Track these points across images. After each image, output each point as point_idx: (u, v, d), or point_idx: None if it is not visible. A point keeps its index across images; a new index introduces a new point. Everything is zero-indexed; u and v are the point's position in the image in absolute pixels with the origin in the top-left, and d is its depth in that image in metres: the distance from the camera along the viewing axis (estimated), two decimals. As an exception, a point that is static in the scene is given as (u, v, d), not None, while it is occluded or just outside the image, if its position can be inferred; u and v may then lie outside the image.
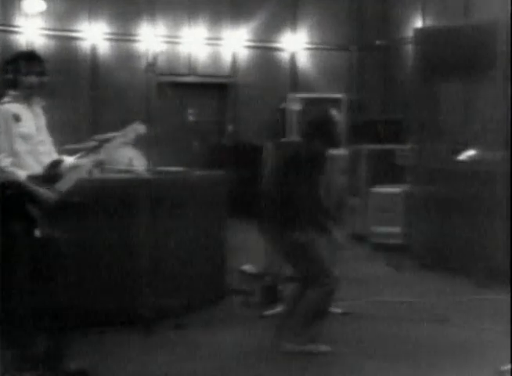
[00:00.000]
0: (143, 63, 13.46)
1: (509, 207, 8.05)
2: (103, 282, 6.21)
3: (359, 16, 15.33)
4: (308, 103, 13.17)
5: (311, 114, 6.35)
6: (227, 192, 7.51)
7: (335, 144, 5.92)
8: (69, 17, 13.73)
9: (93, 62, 13.96)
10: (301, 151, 5.77)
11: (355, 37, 15.42)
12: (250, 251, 8.78)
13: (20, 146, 4.87)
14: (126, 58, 14.09)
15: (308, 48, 15.35)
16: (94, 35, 13.89)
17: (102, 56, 14.02)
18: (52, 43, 13.63)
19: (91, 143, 5.87)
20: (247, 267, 8.25)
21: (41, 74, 4.96)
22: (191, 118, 14.18)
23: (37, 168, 4.90)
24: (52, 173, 4.92)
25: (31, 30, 13.45)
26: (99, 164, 5.27)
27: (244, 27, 14.85)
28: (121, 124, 5.36)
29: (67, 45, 13.80)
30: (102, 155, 5.04)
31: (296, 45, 15.22)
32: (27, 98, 4.96)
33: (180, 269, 6.73)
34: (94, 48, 13.93)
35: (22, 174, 4.81)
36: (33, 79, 4.92)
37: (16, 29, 13.41)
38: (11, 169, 4.79)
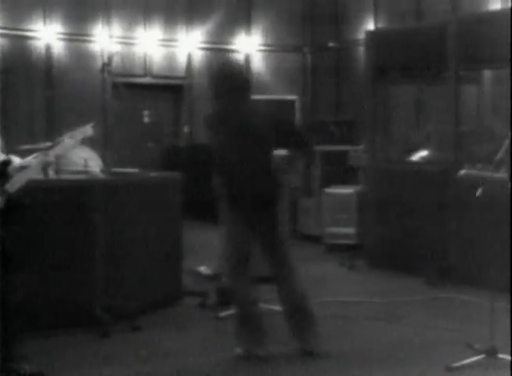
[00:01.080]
0: (99, 64, 13.41)
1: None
2: (58, 284, 6.19)
3: (312, 17, 15.46)
4: (263, 104, 13.23)
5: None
6: (182, 193, 7.52)
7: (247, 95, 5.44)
8: (23, 17, 13.61)
9: (48, 62, 13.84)
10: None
11: (308, 39, 15.56)
12: (205, 252, 8.82)
13: None
14: (81, 58, 14.00)
15: (262, 50, 15.43)
16: (48, 35, 13.78)
17: (57, 55, 13.91)
18: (6, 42, 13.49)
19: (47, 144, 5.89)
20: (203, 268, 8.28)
21: None
22: (146, 119, 14.20)
23: None
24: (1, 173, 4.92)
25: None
26: (48, 165, 5.28)
27: (199, 29, 14.87)
28: (76, 124, 5.35)
29: (22, 44, 13.68)
30: (50, 156, 5.04)
31: (250, 46, 15.28)
32: None
33: (136, 270, 6.74)
34: (48, 48, 13.83)
35: None
36: None
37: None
38: None
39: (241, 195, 5.50)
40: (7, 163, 4.98)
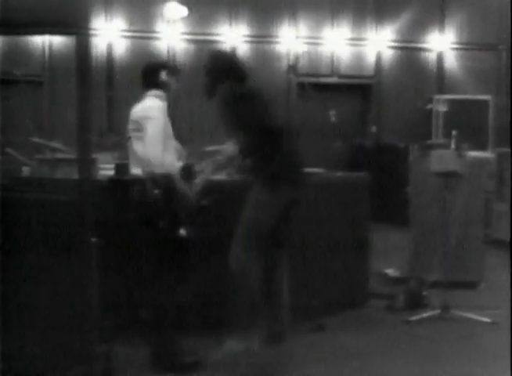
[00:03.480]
0: (284, 65, 13.46)
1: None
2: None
3: (508, 14, 14.75)
4: (455, 104, 12.79)
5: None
6: (369, 193, 7.30)
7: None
8: (209, 21, 13.87)
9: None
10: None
11: (505, 37, 14.83)
12: (393, 255, 8.59)
13: (168, 144, 5.18)
14: (266, 59, 14.08)
15: (456, 48, 14.90)
16: (234, 38, 13.95)
17: (243, 58, 14.06)
18: (192, 47, 13.81)
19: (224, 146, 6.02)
20: (391, 270, 8.04)
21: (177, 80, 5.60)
22: (333, 119, 14.06)
23: (172, 168, 5.12)
24: (185, 174, 5.15)
25: (172, 36, 13.68)
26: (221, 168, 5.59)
27: (389, 27, 14.56)
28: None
29: (207, 48, 13.93)
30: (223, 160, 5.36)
31: (443, 44, 14.80)
32: (165, 98, 5.42)
33: (321, 270, 6.60)
34: (234, 50, 14.00)
35: (177, 165, 5.14)
36: (172, 82, 5.51)
37: (157, 35, 13.67)
38: (169, 163, 5.07)
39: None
40: (191, 166, 5.25)
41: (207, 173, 5.28)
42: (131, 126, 5.34)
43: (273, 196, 5.20)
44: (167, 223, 4.88)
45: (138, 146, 5.22)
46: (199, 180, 5.17)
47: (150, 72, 5.49)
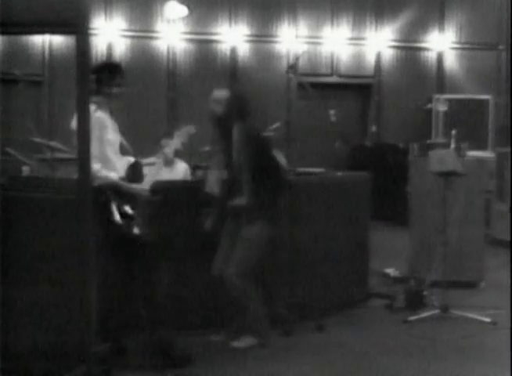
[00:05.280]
0: (284, 64, 13.47)
1: None
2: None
3: (509, 14, 14.75)
4: (455, 104, 12.79)
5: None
6: (369, 193, 7.29)
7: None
8: (209, 21, 13.86)
9: (233, 64, 14.03)
10: None
11: (504, 37, 14.84)
12: (393, 254, 8.58)
13: (109, 152, 5.18)
14: (266, 59, 14.09)
15: (456, 48, 14.89)
16: (234, 37, 13.95)
17: (243, 57, 14.07)
18: (192, 47, 13.81)
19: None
20: (391, 270, 8.03)
21: (121, 85, 5.36)
22: (332, 119, 14.05)
23: (121, 171, 5.17)
24: (132, 174, 5.19)
25: (172, 35, 13.68)
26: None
27: (389, 27, 14.56)
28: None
29: (207, 48, 13.94)
30: (169, 153, 5.75)
31: (443, 44, 14.79)
32: (108, 105, 5.30)
33: (322, 270, 6.60)
34: (234, 51, 14.00)
35: (114, 176, 5.11)
36: (114, 89, 5.30)
37: (156, 34, 13.66)
38: (104, 173, 5.07)
39: None
40: (138, 163, 5.27)
41: (158, 167, 5.52)
42: (74, 136, 4.95)
43: (272, 231, 5.73)
44: (119, 224, 4.98)
45: None
46: (149, 176, 5.29)
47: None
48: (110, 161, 5.16)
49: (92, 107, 5.03)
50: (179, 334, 5.40)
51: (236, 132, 5.64)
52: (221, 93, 5.80)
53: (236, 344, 5.69)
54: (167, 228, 5.81)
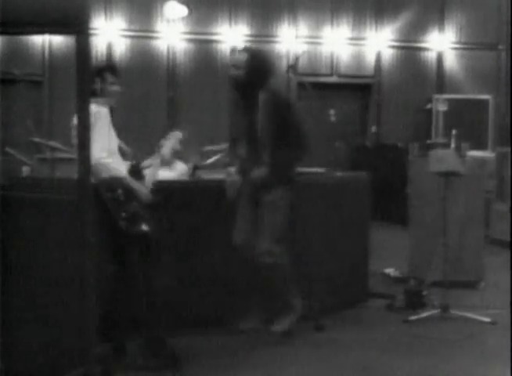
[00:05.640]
0: (284, 64, 13.46)
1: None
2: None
3: (509, 14, 14.75)
4: (455, 104, 12.78)
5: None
6: (369, 194, 7.29)
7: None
8: (209, 20, 13.86)
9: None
10: None
11: (504, 37, 14.84)
12: (393, 254, 8.57)
13: (114, 150, 5.16)
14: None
15: (455, 48, 14.89)
16: (234, 37, 13.95)
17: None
18: (192, 47, 13.81)
19: (223, 145, 6.00)
20: (391, 270, 8.03)
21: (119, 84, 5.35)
22: (332, 119, 14.04)
23: (122, 169, 5.14)
24: (133, 174, 5.17)
25: (172, 35, 13.68)
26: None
27: (389, 27, 14.56)
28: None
29: (207, 48, 13.94)
30: (166, 155, 5.54)
31: (443, 44, 14.80)
32: (109, 105, 5.26)
33: (321, 270, 6.59)
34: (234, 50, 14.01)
35: (123, 171, 5.09)
36: (116, 88, 5.31)
37: (156, 34, 13.67)
38: (115, 166, 5.04)
39: None
40: (139, 164, 5.29)
41: (155, 167, 5.37)
42: (73, 133, 5.07)
43: (291, 196, 5.61)
44: (128, 221, 4.95)
45: None
46: (148, 176, 5.24)
47: (92, 76, 5.27)
48: (114, 157, 5.14)
49: (93, 105, 4.99)
50: (181, 333, 5.41)
51: (262, 97, 5.36)
52: (240, 57, 5.51)
53: (277, 328, 5.60)
54: (172, 226, 5.82)
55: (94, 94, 5.17)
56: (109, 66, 5.55)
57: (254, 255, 5.50)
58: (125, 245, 5.03)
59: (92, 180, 4.89)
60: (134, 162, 5.28)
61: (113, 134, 5.22)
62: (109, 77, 5.31)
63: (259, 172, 5.43)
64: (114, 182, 4.99)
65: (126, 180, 5.06)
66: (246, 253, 5.56)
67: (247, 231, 5.58)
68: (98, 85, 5.24)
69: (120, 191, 4.99)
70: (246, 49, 5.65)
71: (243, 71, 5.41)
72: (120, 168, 5.14)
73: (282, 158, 5.45)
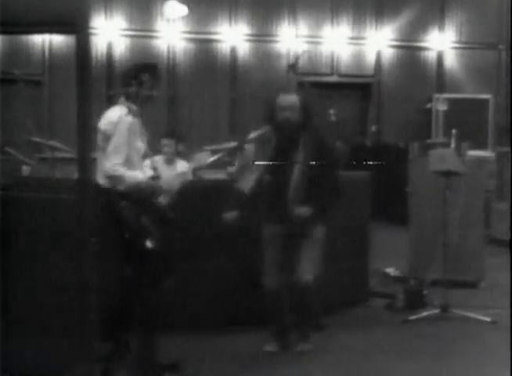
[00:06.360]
0: (284, 64, 13.47)
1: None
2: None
3: (509, 14, 14.75)
4: (455, 103, 12.79)
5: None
6: (370, 193, 7.28)
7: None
8: (209, 20, 13.87)
9: (233, 63, 14.03)
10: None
11: (505, 36, 14.84)
12: (393, 254, 8.56)
13: (135, 157, 4.88)
14: (266, 58, 14.10)
15: (456, 47, 14.90)
16: (234, 37, 13.95)
17: (243, 57, 14.07)
18: (192, 46, 13.81)
19: (231, 144, 5.94)
20: (391, 270, 8.03)
21: (156, 88, 5.06)
22: (333, 118, 14.04)
23: (136, 181, 4.88)
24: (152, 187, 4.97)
25: (172, 35, 13.68)
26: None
27: (389, 26, 14.56)
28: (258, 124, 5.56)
29: (207, 47, 13.95)
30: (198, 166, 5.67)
31: (443, 43, 14.79)
32: (140, 111, 4.96)
33: (322, 269, 6.57)
34: (234, 50, 14.00)
35: (140, 175, 4.88)
36: (152, 93, 5.02)
37: (156, 34, 13.67)
38: (129, 174, 4.80)
39: None
40: (157, 177, 5.04)
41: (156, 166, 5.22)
42: (99, 135, 4.92)
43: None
44: (134, 235, 4.79)
45: (101, 157, 4.88)
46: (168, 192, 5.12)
47: (128, 77, 4.98)
48: (134, 166, 4.87)
49: (124, 111, 4.86)
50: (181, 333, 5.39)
51: (307, 139, 5.39)
52: (291, 99, 5.44)
53: (303, 346, 5.59)
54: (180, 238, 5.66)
55: (127, 97, 4.92)
56: (150, 67, 5.12)
57: (292, 289, 5.53)
58: (130, 256, 4.91)
59: (110, 189, 4.84)
60: (155, 174, 5.05)
61: (139, 145, 4.92)
62: (149, 81, 4.96)
63: (304, 211, 5.38)
64: (130, 192, 4.80)
65: (143, 185, 4.85)
66: (276, 293, 5.53)
67: (279, 271, 5.54)
68: (133, 89, 4.92)
69: (130, 201, 4.80)
70: (298, 94, 5.60)
71: (296, 113, 5.38)
72: (141, 173, 4.93)
73: (325, 198, 5.47)
